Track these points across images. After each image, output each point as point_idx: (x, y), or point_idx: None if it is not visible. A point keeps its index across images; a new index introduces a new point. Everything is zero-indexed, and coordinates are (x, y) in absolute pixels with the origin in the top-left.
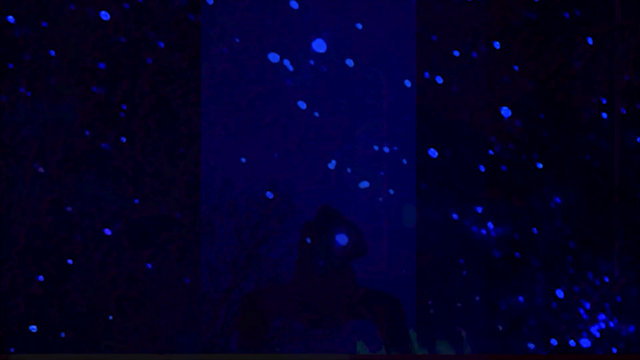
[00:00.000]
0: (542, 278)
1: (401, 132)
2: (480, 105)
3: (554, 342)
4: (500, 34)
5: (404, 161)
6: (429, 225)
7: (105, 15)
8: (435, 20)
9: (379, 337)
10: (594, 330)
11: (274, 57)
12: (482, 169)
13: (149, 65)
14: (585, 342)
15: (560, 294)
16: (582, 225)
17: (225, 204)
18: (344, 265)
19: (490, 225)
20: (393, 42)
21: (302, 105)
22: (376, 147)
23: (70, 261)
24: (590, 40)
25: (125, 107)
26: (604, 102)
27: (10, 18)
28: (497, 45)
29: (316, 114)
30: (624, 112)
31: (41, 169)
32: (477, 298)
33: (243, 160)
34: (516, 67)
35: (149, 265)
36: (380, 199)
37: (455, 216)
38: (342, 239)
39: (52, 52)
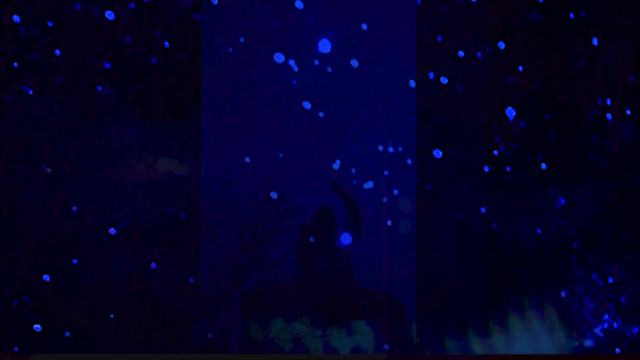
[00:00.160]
0: (545, 278)
1: (405, 132)
2: (484, 105)
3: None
4: (504, 34)
5: (409, 161)
6: (433, 226)
7: (110, 15)
8: (440, 21)
9: (380, 337)
10: (597, 330)
11: (279, 58)
12: (487, 169)
13: (154, 65)
14: (589, 343)
15: (563, 294)
16: (586, 225)
17: (226, 204)
18: (346, 265)
19: (494, 225)
20: (398, 43)
21: (307, 105)
22: (380, 148)
23: (75, 261)
24: (594, 41)
25: (129, 107)
26: (608, 102)
27: (16, 18)
28: (501, 45)
29: (320, 114)
30: (629, 113)
31: (47, 169)
32: (480, 298)
33: (247, 160)
34: (520, 68)
35: (153, 265)
36: (385, 199)
37: (459, 216)
38: (346, 239)
39: (58, 52)
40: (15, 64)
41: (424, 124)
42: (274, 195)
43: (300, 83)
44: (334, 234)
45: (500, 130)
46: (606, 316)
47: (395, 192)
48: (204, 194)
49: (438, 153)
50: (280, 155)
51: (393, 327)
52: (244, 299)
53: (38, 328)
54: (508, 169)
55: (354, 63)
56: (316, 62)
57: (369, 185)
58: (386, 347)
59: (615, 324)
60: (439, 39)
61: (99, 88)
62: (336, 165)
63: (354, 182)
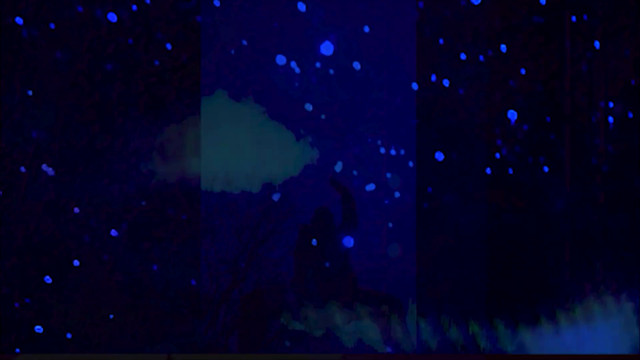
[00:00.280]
0: (548, 281)
1: (408, 134)
2: (486, 108)
3: None
4: (507, 37)
5: (410, 164)
6: (435, 228)
7: (112, 17)
8: (442, 23)
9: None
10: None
11: (280, 60)
12: (489, 171)
13: (156, 66)
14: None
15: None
16: (588, 228)
17: (226, 204)
18: (347, 266)
19: (496, 228)
20: (400, 45)
21: (309, 107)
22: (383, 150)
23: (77, 262)
24: (596, 44)
25: (133, 108)
26: (611, 105)
27: (19, 19)
28: (503, 48)
29: (323, 117)
30: (631, 115)
31: (50, 171)
32: (481, 301)
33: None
34: (523, 71)
35: (155, 267)
36: (387, 201)
37: (461, 219)
38: (348, 242)
39: (60, 54)
40: (19, 66)
41: (425, 126)
42: (276, 197)
43: (302, 85)
44: (334, 235)
45: (502, 132)
46: None
47: (397, 194)
48: (204, 194)
49: (440, 155)
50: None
51: (393, 327)
52: (244, 299)
53: (39, 329)
54: (510, 171)
55: (356, 65)
56: (318, 65)
57: (370, 187)
58: (389, 349)
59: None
60: (441, 41)
61: (102, 90)
62: (338, 167)
63: (356, 184)
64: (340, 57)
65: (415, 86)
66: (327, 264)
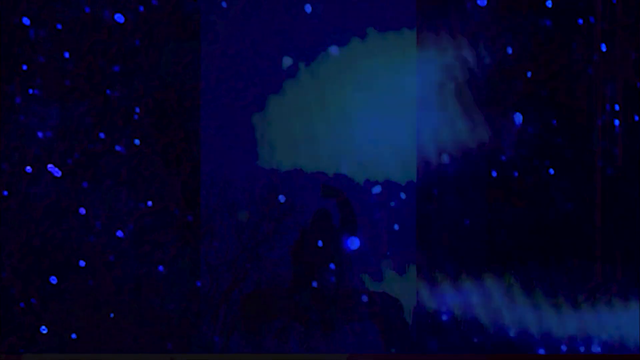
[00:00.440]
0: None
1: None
2: (492, 110)
3: (563, 348)
4: (513, 39)
5: (416, 166)
6: (441, 231)
7: (120, 18)
8: (448, 25)
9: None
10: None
11: (287, 61)
12: (494, 174)
13: (161, 67)
14: (595, 348)
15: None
16: (594, 231)
17: (226, 204)
18: (348, 268)
19: (502, 231)
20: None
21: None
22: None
23: (82, 263)
24: (603, 47)
25: (138, 110)
26: (617, 108)
27: (25, 20)
28: (509, 50)
29: None
30: (637, 119)
31: (55, 171)
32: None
33: (255, 162)
34: (529, 74)
35: (161, 268)
36: (393, 203)
37: (466, 222)
38: (353, 244)
39: (67, 54)
40: (25, 66)
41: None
42: (281, 198)
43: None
44: (336, 236)
45: (508, 135)
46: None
47: (403, 196)
48: (204, 194)
49: (446, 158)
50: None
51: (392, 327)
52: (244, 299)
53: (44, 330)
54: (515, 174)
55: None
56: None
57: (376, 189)
58: (393, 350)
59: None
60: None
61: (108, 91)
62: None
63: (362, 185)
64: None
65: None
66: (332, 266)
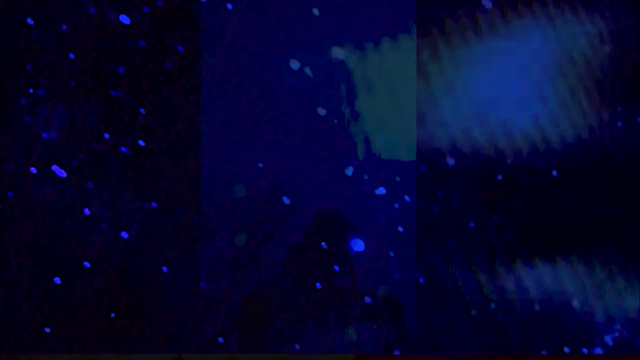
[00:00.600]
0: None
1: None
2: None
3: (566, 350)
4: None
5: (422, 169)
6: (445, 233)
7: (125, 19)
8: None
9: (380, 337)
10: (608, 339)
11: (294, 64)
12: (500, 177)
13: (168, 69)
14: (598, 351)
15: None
16: (598, 235)
17: (226, 204)
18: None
19: (507, 233)
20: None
21: (322, 112)
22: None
23: (87, 264)
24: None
25: (144, 111)
26: (620, 110)
27: (29, 20)
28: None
29: (335, 121)
30: None
31: (60, 172)
32: (492, 307)
33: (260, 165)
34: None
35: (165, 269)
36: (397, 205)
37: (471, 224)
38: (358, 246)
39: (72, 55)
40: (29, 66)
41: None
42: (286, 200)
43: (316, 90)
44: (341, 238)
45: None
46: (618, 325)
47: (407, 198)
48: (204, 193)
49: (451, 160)
50: (294, 160)
51: (393, 327)
52: (244, 299)
53: (48, 330)
54: (521, 177)
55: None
56: (331, 70)
57: (381, 191)
58: (397, 352)
59: (625, 332)
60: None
61: (113, 92)
62: (349, 171)
63: (366, 188)
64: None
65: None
66: (336, 268)
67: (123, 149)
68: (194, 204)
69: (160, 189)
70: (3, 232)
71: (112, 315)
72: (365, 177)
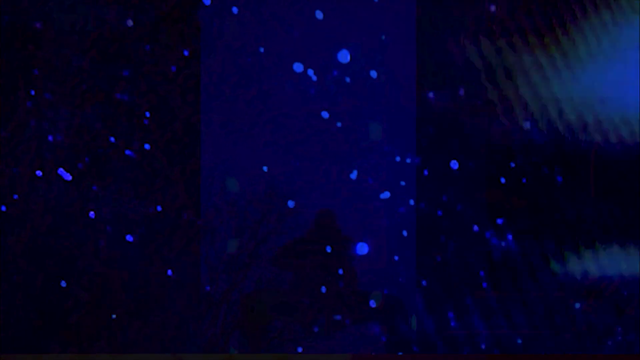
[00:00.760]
0: (561, 291)
1: (423, 143)
2: (502, 117)
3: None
4: (524, 45)
5: (425, 172)
6: (450, 237)
7: (130, 23)
8: (461, 33)
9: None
10: (611, 342)
11: (298, 67)
12: (503, 180)
13: (173, 72)
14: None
15: (578, 306)
16: (602, 238)
17: (226, 205)
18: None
19: (510, 237)
20: (417, 53)
21: (325, 115)
22: (398, 158)
23: (94, 266)
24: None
25: (148, 114)
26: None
27: (38, 24)
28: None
29: (339, 124)
30: None
31: (66, 175)
32: (494, 308)
33: (265, 169)
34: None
35: (170, 272)
36: (402, 209)
37: (475, 228)
38: (362, 249)
39: (78, 59)
40: (36, 70)
41: (441, 135)
42: (290, 204)
43: (319, 93)
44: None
45: (518, 141)
46: (619, 328)
47: (412, 202)
48: (204, 193)
49: (455, 164)
50: (298, 164)
51: (394, 326)
52: (244, 299)
53: (52, 330)
54: (524, 180)
55: (373, 74)
56: (335, 73)
57: (385, 195)
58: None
59: (631, 336)
60: (461, 49)
61: (118, 95)
62: (353, 175)
63: (370, 192)
64: (357, 65)
65: (431, 95)
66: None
67: (128, 152)
68: (194, 206)
69: (163, 191)
70: (8, 234)
71: (113, 316)
72: (370, 180)
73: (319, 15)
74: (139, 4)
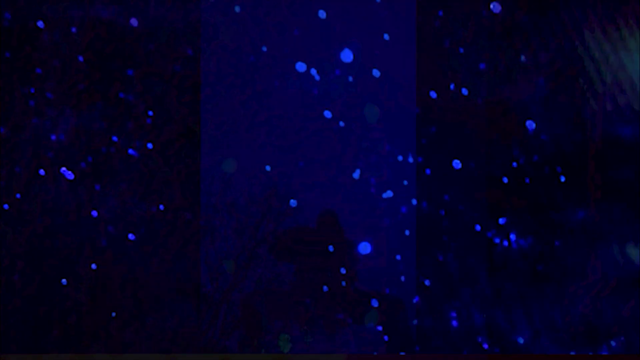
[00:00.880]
0: (563, 292)
1: (426, 143)
2: (505, 117)
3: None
4: (527, 46)
5: (428, 172)
6: (452, 236)
7: (134, 22)
8: (462, 32)
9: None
10: (612, 343)
11: (300, 67)
12: (505, 180)
13: (177, 72)
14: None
15: (579, 306)
16: (605, 239)
17: (226, 205)
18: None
19: (512, 237)
20: (420, 53)
21: (328, 114)
22: (400, 158)
23: (94, 266)
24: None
25: (152, 114)
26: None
27: (40, 23)
28: (523, 58)
29: (341, 124)
30: None
31: (68, 174)
32: (496, 310)
33: (267, 168)
34: (542, 81)
35: (170, 270)
36: (404, 209)
37: (477, 227)
38: (364, 249)
39: (81, 58)
40: (39, 69)
41: (443, 134)
42: (293, 203)
43: (322, 92)
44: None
45: (521, 142)
46: (619, 329)
47: (414, 202)
48: (204, 194)
49: (457, 164)
50: (301, 164)
51: (394, 326)
52: (244, 299)
53: (53, 331)
54: (527, 180)
55: (376, 73)
56: (338, 72)
57: (388, 194)
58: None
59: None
60: (461, 50)
61: (122, 95)
62: (356, 174)
63: (373, 191)
64: (360, 64)
65: (434, 94)
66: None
67: (131, 151)
68: (196, 206)
69: (167, 191)
70: (10, 233)
71: (113, 314)
72: (372, 180)
73: (322, 14)
74: (139, 4)
